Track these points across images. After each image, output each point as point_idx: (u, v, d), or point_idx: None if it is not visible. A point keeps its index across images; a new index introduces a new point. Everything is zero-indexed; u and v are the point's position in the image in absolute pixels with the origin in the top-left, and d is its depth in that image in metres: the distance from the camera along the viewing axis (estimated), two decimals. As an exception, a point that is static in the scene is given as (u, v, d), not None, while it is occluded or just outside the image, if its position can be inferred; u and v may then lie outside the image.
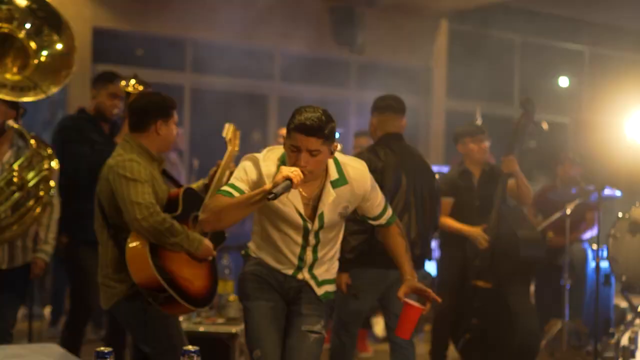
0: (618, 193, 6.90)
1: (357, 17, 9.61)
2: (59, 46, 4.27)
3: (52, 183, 4.20)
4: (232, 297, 4.94)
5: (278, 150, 3.33)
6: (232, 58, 9.03)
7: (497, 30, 10.93)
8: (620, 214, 6.61)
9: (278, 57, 9.70)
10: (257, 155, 3.31)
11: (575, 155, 7.87)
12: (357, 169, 3.41)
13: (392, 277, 4.30)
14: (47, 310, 7.37)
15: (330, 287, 3.56)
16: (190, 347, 2.77)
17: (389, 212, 3.56)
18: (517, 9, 10.54)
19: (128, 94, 5.21)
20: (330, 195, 3.32)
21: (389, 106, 4.73)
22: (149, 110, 3.87)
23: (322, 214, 3.34)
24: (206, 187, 4.04)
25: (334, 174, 3.33)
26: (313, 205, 3.35)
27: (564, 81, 11.68)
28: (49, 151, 4.25)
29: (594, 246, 7.42)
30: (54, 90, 4.20)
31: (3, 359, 3.53)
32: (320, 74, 9.82)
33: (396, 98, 4.77)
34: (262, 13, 8.94)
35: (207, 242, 3.82)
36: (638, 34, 11.48)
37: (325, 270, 3.53)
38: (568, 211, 6.57)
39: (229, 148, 4.14)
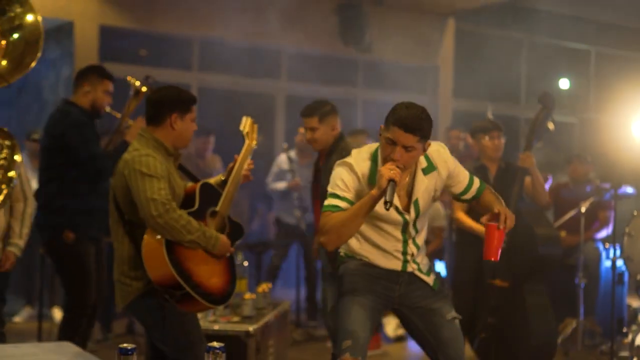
0: (630, 190, 6.83)
1: (364, 16, 9.57)
2: (23, 32, 4.04)
3: (12, 174, 4.07)
4: (248, 296, 4.88)
5: (366, 149, 3.47)
6: (239, 57, 9.01)
7: (504, 29, 10.90)
8: (635, 212, 6.57)
9: (285, 56, 9.65)
10: (348, 160, 3.42)
11: (585, 154, 7.83)
12: (438, 152, 3.51)
13: None
14: (56, 311, 7.30)
15: (434, 276, 3.65)
16: (215, 344, 2.71)
17: (476, 182, 3.65)
18: (524, 8, 10.50)
19: (137, 92, 5.21)
20: (423, 182, 3.46)
21: None
22: (164, 103, 3.80)
23: (417, 201, 3.45)
24: (224, 182, 3.98)
25: (423, 162, 3.46)
26: (406, 195, 3.46)
27: (564, 83, 11.63)
28: (9, 142, 4.11)
29: (607, 245, 7.38)
30: (16, 77, 4.07)
31: (18, 357, 3.46)
32: (327, 73, 9.77)
33: None
34: (269, 12, 8.90)
35: (224, 239, 3.75)
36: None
37: (423, 258, 3.63)
38: (583, 209, 6.52)
39: (247, 142, 4.07)
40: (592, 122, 11.77)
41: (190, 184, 3.91)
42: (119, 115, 5.21)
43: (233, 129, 8.48)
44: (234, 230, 3.90)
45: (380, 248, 3.51)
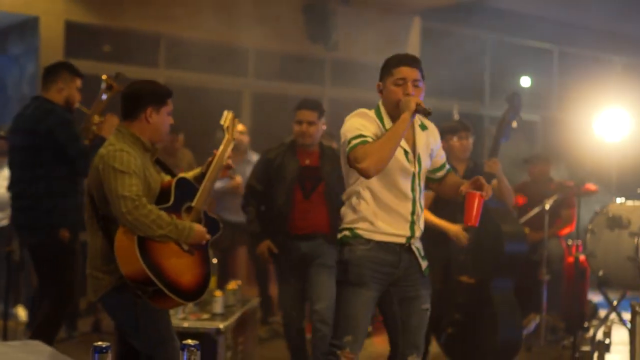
0: (593, 188, 6.96)
1: (331, 14, 9.60)
2: None
3: None
4: (218, 293, 4.90)
5: (365, 110, 3.68)
6: (205, 54, 9.00)
7: (469, 28, 10.99)
8: (598, 209, 6.69)
9: (252, 53, 9.65)
10: (360, 110, 3.66)
11: (546, 153, 7.96)
12: (429, 122, 3.84)
13: None
14: (20, 310, 7.25)
15: (426, 262, 3.82)
16: (190, 342, 2.73)
17: (447, 163, 3.96)
18: (489, 7, 10.60)
19: (110, 86, 5.22)
20: (422, 137, 3.75)
21: None
22: (139, 97, 3.81)
23: (419, 156, 3.69)
24: (202, 175, 3.99)
25: (417, 119, 3.76)
26: (410, 148, 3.67)
27: (525, 81, 11.77)
28: None
29: (569, 241, 7.51)
30: None
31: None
32: (294, 70, 9.79)
33: None
34: (236, 9, 8.90)
35: (199, 227, 3.75)
36: (605, 33, 11.61)
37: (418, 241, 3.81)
38: (547, 207, 6.63)
39: (227, 136, 4.07)
40: (555, 120, 11.95)
41: (167, 179, 3.92)
42: (89, 112, 5.21)
43: (200, 126, 8.54)
44: (210, 225, 3.90)
45: (391, 210, 3.63)
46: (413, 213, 3.69)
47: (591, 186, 6.84)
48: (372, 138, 3.52)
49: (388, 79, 3.67)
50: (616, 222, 6.32)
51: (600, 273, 6.52)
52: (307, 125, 5.18)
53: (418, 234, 3.74)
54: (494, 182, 5.52)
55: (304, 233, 5.17)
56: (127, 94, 3.87)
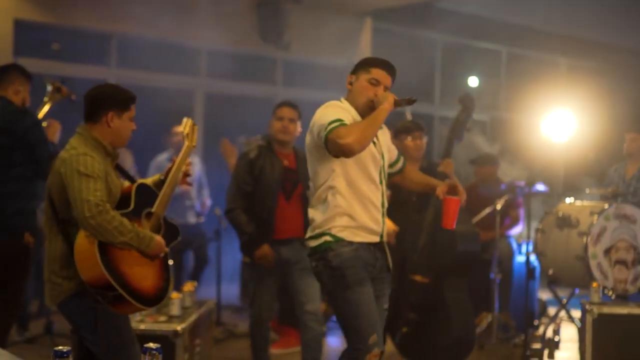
0: (542, 188, 7.09)
1: (283, 14, 9.63)
2: None
3: None
4: (174, 295, 4.87)
5: (333, 102, 3.76)
6: (157, 53, 8.97)
7: (419, 28, 11.09)
8: (547, 209, 6.83)
9: (204, 53, 9.62)
10: (331, 102, 3.75)
11: (492, 154, 8.08)
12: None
13: None
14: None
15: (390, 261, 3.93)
16: (152, 345, 2.72)
17: (401, 156, 4.10)
18: (439, 9, 10.69)
19: (59, 89, 5.19)
20: (383, 135, 3.90)
21: None
22: (101, 101, 3.77)
23: (383, 154, 3.82)
24: (162, 182, 3.97)
25: None
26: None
27: (473, 81, 11.93)
28: None
29: (519, 241, 7.65)
30: None
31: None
32: (247, 70, 9.79)
33: None
34: (189, 9, 8.87)
35: (159, 239, 3.74)
36: (552, 35, 11.81)
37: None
38: (498, 207, 6.74)
39: (186, 143, 4.06)
40: (503, 120, 12.12)
41: (127, 184, 3.90)
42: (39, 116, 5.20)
43: (151, 126, 8.48)
44: (169, 231, 3.89)
45: (365, 199, 3.71)
46: (382, 204, 3.80)
47: (540, 186, 6.97)
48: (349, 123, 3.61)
49: (363, 75, 3.76)
50: (565, 222, 6.45)
51: (550, 272, 6.65)
52: (288, 121, 5.19)
53: (385, 228, 3.84)
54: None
55: (284, 237, 5.17)
56: (90, 96, 3.82)
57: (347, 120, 3.62)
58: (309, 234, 3.80)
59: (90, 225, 3.50)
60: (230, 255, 8.19)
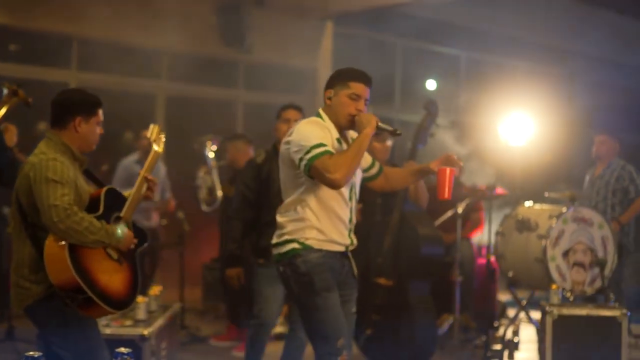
0: (501, 191, 7.21)
1: (245, 17, 9.61)
2: None
3: None
4: (140, 299, 4.88)
5: (313, 119, 3.78)
6: (118, 56, 8.87)
7: (379, 33, 11.14)
8: (507, 212, 6.95)
9: (165, 56, 9.57)
10: (313, 119, 3.77)
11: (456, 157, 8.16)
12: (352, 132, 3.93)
13: None
14: None
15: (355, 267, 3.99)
16: (123, 350, 2.75)
17: (375, 160, 4.10)
18: (399, 13, 10.76)
19: (15, 92, 5.15)
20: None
21: None
22: (68, 106, 3.78)
23: None
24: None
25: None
26: None
27: (431, 84, 12.04)
28: None
29: (479, 243, 7.77)
30: None
31: None
32: (208, 74, 9.75)
33: None
34: (151, 11, 8.82)
35: (128, 232, 3.77)
36: (511, 40, 11.96)
37: None
38: (460, 210, 6.84)
39: (153, 149, 4.07)
40: (462, 124, 12.23)
41: (96, 189, 3.90)
42: None
43: (113, 130, 8.41)
44: (138, 236, 3.91)
45: (334, 215, 3.75)
46: (350, 220, 3.83)
47: (500, 190, 7.09)
48: (332, 149, 3.63)
49: (342, 91, 3.76)
50: (525, 225, 6.58)
51: (510, 274, 6.78)
52: (294, 123, 5.12)
53: (354, 242, 3.89)
54: (411, 185, 5.67)
55: None
56: (56, 102, 3.83)
57: (329, 142, 3.64)
58: (275, 240, 3.83)
59: (60, 229, 3.50)
60: (193, 259, 8.18)
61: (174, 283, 7.65)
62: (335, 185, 3.59)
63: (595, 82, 13.27)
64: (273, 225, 4.05)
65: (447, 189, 3.84)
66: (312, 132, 3.65)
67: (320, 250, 3.74)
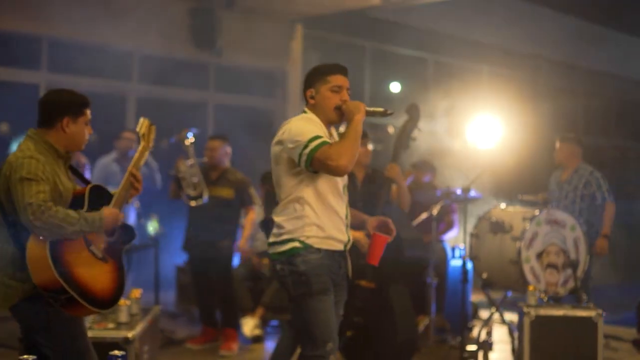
0: (474, 194, 7.29)
1: (216, 19, 9.63)
2: None
3: None
4: (122, 302, 4.85)
5: (301, 116, 3.85)
6: (89, 57, 8.85)
7: (349, 36, 11.19)
8: (481, 214, 7.02)
9: (136, 57, 9.53)
10: (302, 116, 3.83)
11: (426, 161, 8.24)
12: None
13: None
14: None
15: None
16: (117, 353, 2.76)
17: None
18: (368, 17, 10.84)
19: None
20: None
21: None
22: (56, 106, 3.77)
23: None
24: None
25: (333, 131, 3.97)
26: None
27: (395, 87, 12.10)
28: None
29: (452, 245, 7.84)
30: None
31: None
32: (179, 76, 9.71)
33: None
34: (121, 13, 8.77)
35: (108, 211, 3.72)
36: (477, 44, 12.08)
37: None
38: (435, 212, 6.90)
39: (142, 143, 4.04)
40: (431, 127, 12.31)
41: (80, 187, 3.87)
42: None
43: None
44: (125, 233, 3.90)
45: (333, 211, 3.79)
46: (346, 216, 3.89)
47: (474, 192, 7.17)
48: (329, 140, 3.68)
49: (323, 86, 3.82)
50: (499, 227, 6.66)
51: (484, 275, 6.85)
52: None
53: (351, 239, 3.93)
54: (394, 187, 5.72)
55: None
56: (45, 102, 3.81)
57: (324, 135, 3.70)
58: (273, 239, 3.85)
59: (37, 227, 3.49)
60: (167, 261, 8.14)
61: (149, 285, 7.62)
62: (341, 172, 3.63)
63: (557, 86, 13.44)
64: None
65: (377, 256, 3.90)
66: (305, 127, 3.70)
67: (319, 251, 3.76)
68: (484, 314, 8.34)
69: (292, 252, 3.77)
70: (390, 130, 10.61)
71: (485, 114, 8.30)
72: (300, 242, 3.76)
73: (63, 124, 3.75)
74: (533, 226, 6.44)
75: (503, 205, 7.04)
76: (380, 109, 3.82)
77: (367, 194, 5.78)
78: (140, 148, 4.04)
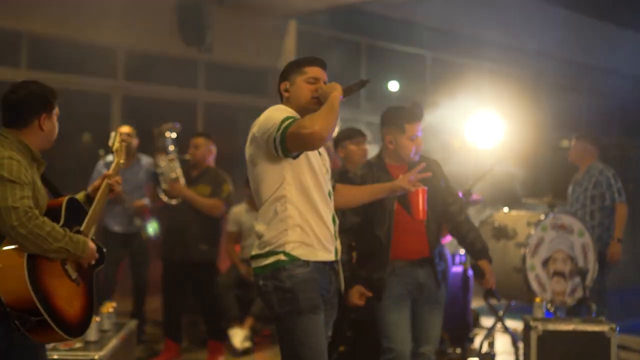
0: (478, 197, 6.89)
1: (205, 15, 9.24)
2: None
3: None
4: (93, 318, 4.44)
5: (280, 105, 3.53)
6: (72, 54, 8.48)
7: (343, 32, 10.88)
8: (483, 218, 6.64)
9: (121, 54, 9.16)
10: (275, 106, 3.47)
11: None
12: None
13: None
14: None
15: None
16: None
17: None
18: (363, 12, 10.53)
19: None
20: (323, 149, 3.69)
21: None
22: (31, 103, 3.38)
23: (327, 167, 3.62)
24: (88, 197, 3.64)
25: None
26: None
27: (393, 85, 11.79)
28: None
29: (451, 251, 7.43)
30: None
31: None
32: (167, 73, 9.35)
33: None
34: (105, 7, 8.42)
35: (91, 244, 3.40)
36: (475, 40, 11.78)
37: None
38: (433, 217, 6.50)
39: (116, 159, 3.79)
40: (428, 125, 11.98)
41: (54, 199, 3.50)
42: None
43: (65, 132, 8.00)
44: (97, 255, 3.54)
45: (319, 211, 3.43)
46: (333, 220, 3.55)
47: (476, 195, 6.78)
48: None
49: (299, 77, 3.56)
50: (502, 233, 6.30)
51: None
52: (419, 139, 4.42)
53: (339, 249, 3.57)
54: None
55: (416, 258, 4.41)
56: (13, 99, 3.40)
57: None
58: (256, 251, 3.46)
59: (21, 234, 3.10)
60: (152, 267, 7.73)
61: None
62: (316, 139, 3.21)
63: (561, 84, 13.16)
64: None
65: (422, 210, 3.92)
66: (275, 114, 3.37)
67: (307, 264, 3.37)
68: (485, 321, 7.98)
69: (277, 265, 3.37)
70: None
71: (486, 113, 7.98)
72: (286, 254, 3.36)
73: (41, 122, 3.39)
74: (538, 231, 6.09)
75: (506, 209, 6.66)
76: (357, 81, 3.62)
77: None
78: (113, 164, 3.77)
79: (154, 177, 6.67)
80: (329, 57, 9.99)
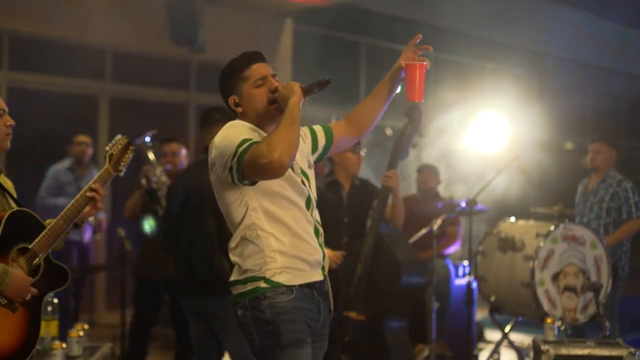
0: (481, 207, 6.48)
1: (197, 14, 8.88)
2: None
3: None
4: (56, 345, 4.02)
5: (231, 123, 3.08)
6: (56, 54, 8.22)
7: (341, 31, 10.56)
8: (488, 229, 6.26)
9: (109, 54, 8.82)
10: (229, 124, 3.04)
11: (434, 165, 7.50)
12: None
13: None
14: None
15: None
16: None
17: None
18: (361, 11, 10.23)
19: None
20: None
21: None
22: None
23: (300, 168, 3.11)
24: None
25: None
26: None
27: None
28: None
29: (456, 263, 7.04)
30: None
31: None
32: (156, 74, 9.02)
33: None
34: (92, 5, 8.08)
35: (20, 275, 2.98)
36: (478, 40, 11.46)
37: None
38: (435, 227, 6.10)
39: (106, 165, 3.40)
40: (431, 128, 11.66)
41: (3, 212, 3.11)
42: None
43: (49, 134, 7.66)
44: (53, 274, 3.15)
45: (302, 238, 3.00)
46: (317, 232, 3.09)
47: (481, 204, 6.37)
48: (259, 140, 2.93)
49: (244, 85, 3.11)
50: (509, 244, 5.94)
51: (492, 298, 6.14)
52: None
53: (326, 284, 3.12)
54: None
55: None
56: None
57: (256, 138, 2.94)
58: (234, 277, 3.03)
59: None
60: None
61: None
62: (276, 168, 2.81)
63: (567, 85, 12.86)
64: None
65: (418, 89, 3.14)
66: (231, 135, 2.93)
67: (291, 290, 2.96)
68: (489, 334, 7.60)
69: (256, 293, 2.96)
70: (388, 132, 9.97)
71: (490, 115, 7.64)
72: (267, 280, 2.95)
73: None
74: (548, 243, 5.70)
75: (513, 219, 6.26)
76: (317, 81, 3.10)
77: (354, 207, 5.00)
78: (101, 171, 3.39)
79: (149, 193, 6.16)
80: (328, 56, 9.73)
